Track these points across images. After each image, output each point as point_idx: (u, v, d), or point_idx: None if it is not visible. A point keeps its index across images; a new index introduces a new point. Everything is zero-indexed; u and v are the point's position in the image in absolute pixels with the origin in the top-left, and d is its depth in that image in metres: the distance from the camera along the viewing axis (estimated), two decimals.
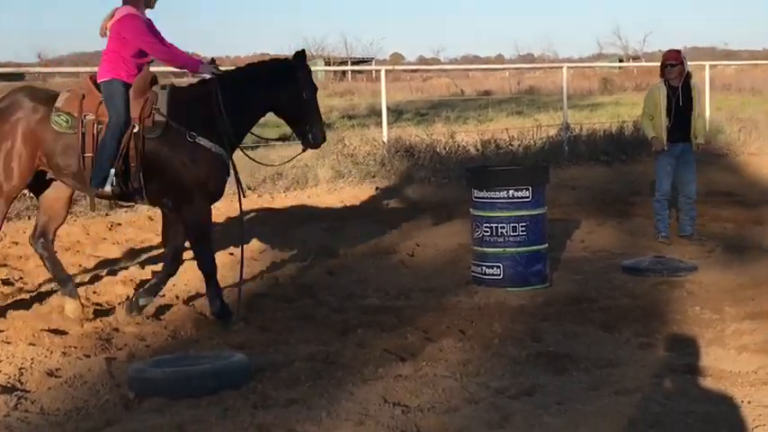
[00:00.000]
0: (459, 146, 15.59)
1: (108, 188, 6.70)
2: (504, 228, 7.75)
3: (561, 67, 19.90)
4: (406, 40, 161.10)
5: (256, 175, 12.48)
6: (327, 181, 13.01)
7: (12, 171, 6.84)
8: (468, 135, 17.16)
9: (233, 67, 7.75)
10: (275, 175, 12.84)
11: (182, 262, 7.36)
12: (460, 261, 8.67)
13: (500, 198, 7.73)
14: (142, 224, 10.73)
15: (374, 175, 13.44)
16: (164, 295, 7.50)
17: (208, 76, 6.94)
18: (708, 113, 17.89)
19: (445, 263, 8.91)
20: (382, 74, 15.75)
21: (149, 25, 6.92)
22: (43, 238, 7.15)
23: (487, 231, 7.78)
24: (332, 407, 4.88)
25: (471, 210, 8.00)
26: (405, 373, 5.44)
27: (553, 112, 23.49)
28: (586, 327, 6.49)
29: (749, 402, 4.87)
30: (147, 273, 8.38)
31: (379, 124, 15.65)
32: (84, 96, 6.85)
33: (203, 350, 6.02)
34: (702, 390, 5.11)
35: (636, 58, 64.28)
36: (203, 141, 6.79)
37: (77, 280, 8.07)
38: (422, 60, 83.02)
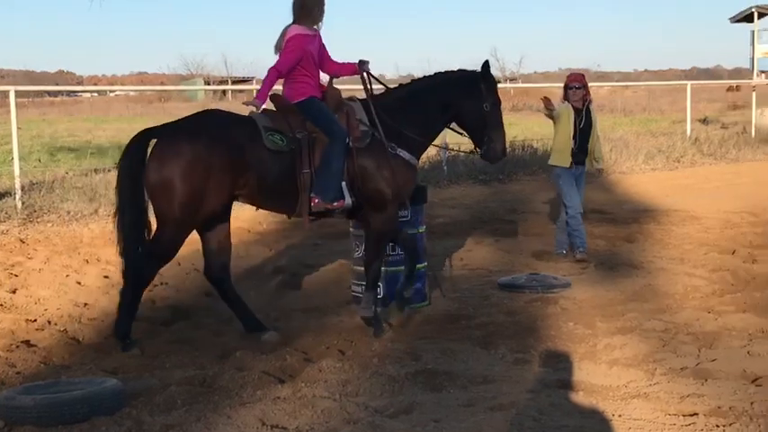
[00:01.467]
0: None
1: (349, 200, 6.91)
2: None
3: None
4: None
5: None
6: None
7: (209, 197, 6.57)
8: None
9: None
10: None
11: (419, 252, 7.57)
12: (342, 281, 8.67)
13: None
14: (12, 247, 10.40)
15: None
16: (35, 320, 7.29)
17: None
18: None
19: (326, 283, 8.91)
20: None
21: (319, 43, 7.07)
22: (224, 273, 7.03)
23: None
24: (209, 431, 4.82)
25: (351, 229, 8.01)
26: (283, 395, 5.40)
27: None
28: (464, 344, 6.57)
29: (620, 416, 5.01)
30: (18, 298, 8.12)
31: None
32: (285, 115, 6.90)
33: (76, 376, 5.86)
34: (575, 404, 5.23)
35: (513, 80, 65.70)
36: (402, 153, 7.05)
37: None
38: None
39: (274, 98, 7.17)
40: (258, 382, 5.68)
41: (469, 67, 7.34)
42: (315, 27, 7.05)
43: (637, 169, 17.81)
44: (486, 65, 7.25)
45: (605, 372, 5.85)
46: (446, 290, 8.42)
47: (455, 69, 7.37)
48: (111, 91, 64.84)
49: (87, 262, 9.71)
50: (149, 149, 6.67)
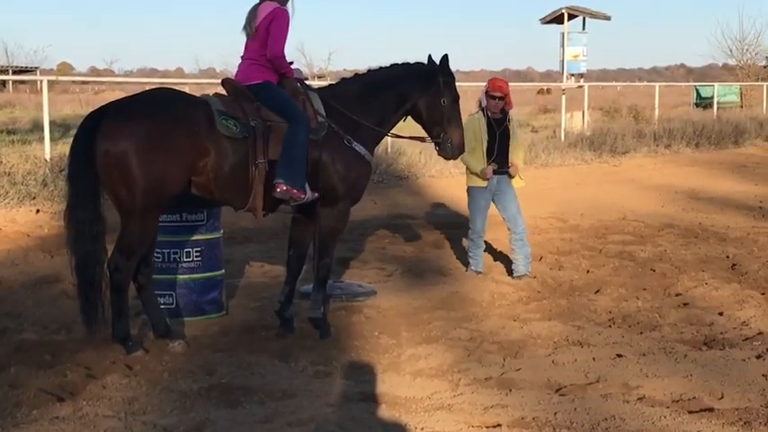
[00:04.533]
0: None
1: (310, 194, 6.78)
2: (176, 253, 7.67)
3: None
4: (78, 50, 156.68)
5: None
6: None
7: (163, 184, 6.30)
8: None
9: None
10: None
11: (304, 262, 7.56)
12: (132, 290, 8.46)
13: (172, 221, 7.61)
14: None
15: (35, 196, 12.84)
16: None
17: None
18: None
19: None
20: (44, 84, 15.22)
21: None
22: (147, 267, 6.76)
23: (159, 257, 7.61)
24: None
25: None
26: (62, 414, 5.26)
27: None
28: (262, 356, 6.56)
29: (422, 429, 5.14)
30: None
31: (43, 140, 15.03)
32: (239, 100, 6.66)
33: None
34: (377, 418, 5.32)
35: (321, 77, 66.09)
36: (358, 147, 7.11)
37: None
38: (94, 71, 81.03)
39: (226, 82, 7.05)
40: (34, 401, 5.49)
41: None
42: (287, 5, 7.02)
43: (447, 173, 18.16)
44: (445, 59, 7.39)
45: (409, 383, 5.97)
46: (245, 299, 8.37)
47: (414, 62, 7.48)
48: None
49: None
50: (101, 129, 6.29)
